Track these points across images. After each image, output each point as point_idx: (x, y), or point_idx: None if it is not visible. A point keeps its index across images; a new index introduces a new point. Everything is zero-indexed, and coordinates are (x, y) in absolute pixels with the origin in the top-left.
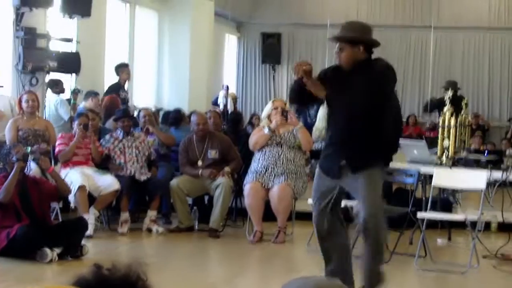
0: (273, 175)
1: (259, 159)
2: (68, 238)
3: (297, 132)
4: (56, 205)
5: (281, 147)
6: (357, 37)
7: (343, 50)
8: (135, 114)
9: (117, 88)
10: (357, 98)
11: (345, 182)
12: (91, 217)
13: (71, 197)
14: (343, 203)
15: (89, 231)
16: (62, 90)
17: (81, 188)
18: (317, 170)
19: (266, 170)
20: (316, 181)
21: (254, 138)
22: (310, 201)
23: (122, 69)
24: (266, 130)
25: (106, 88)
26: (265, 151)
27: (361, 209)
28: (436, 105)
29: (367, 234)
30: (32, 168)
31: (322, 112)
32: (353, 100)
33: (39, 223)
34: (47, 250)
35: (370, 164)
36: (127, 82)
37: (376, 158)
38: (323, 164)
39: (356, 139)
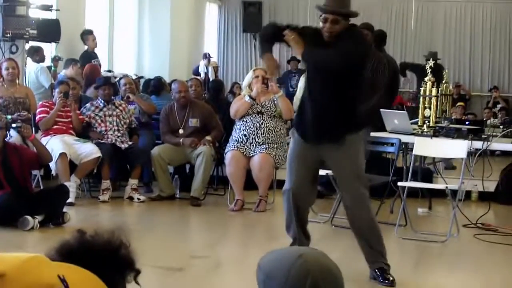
0: (254, 144)
1: (239, 128)
2: (49, 206)
3: (277, 100)
4: (37, 173)
5: (262, 116)
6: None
7: (337, 23)
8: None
9: (88, 57)
10: (332, 63)
11: (324, 151)
12: (72, 185)
13: (52, 165)
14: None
15: (71, 199)
16: (42, 59)
17: (62, 155)
18: (293, 133)
19: (247, 139)
20: (292, 146)
21: (235, 107)
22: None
23: (87, 36)
24: (247, 98)
25: None
26: (246, 120)
27: (344, 191)
28: (408, 67)
29: (355, 223)
30: (13, 136)
31: (303, 82)
32: (328, 64)
33: (21, 190)
34: (29, 218)
35: (348, 131)
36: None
37: (354, 125)
38: (298, 128)
39: (331, 103)
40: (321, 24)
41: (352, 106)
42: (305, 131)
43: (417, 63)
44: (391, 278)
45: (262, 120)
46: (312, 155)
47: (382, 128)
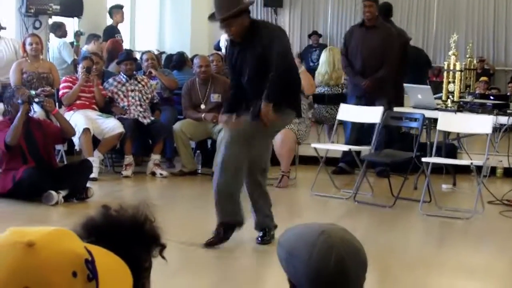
0: None
1: None
2: (73, 181)
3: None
4: (61, 148)
5: None
6: (238, 10)
7: (231, 25)
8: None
9: (111, 31)
10: (249, 66)
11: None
12: (95, 160)
13: (75, 140)
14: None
15: (94, 174)
16: (64, 34)
17: (86, 130)
18: None
19: None
20: None
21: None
22: (313, 145)
23: (116, 10)
24: (302, 67)
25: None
26: None
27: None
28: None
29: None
30: (36, 111)
31: (324, 56)
32: (247, 68)
33: (45, 165)
34: (53, 193)
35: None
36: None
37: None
38: None
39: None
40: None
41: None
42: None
43: None
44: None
45: None
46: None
47: (401, 103)
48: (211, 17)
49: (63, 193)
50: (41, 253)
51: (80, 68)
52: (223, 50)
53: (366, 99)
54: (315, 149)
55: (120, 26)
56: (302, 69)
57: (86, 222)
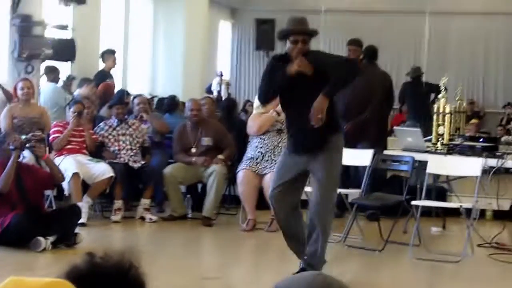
0: (269, 162)
1: (256, 145)
2: (61, 226)
3: None
4: (50, 193)
5: (281, 134)
6: (315, 31)
7: (306, 43)
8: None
9: (103, 76)
10: (310, 88)
11: (307, 161)
12: (84, 205)
13: (65, 185)
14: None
15: (83, 219)
16: (56, 79)
17: (75, 175)
18: (284, 150)
19: (263, 157)
20: (281, 159)
21: (259, 122)
22: (305, 189)
23: (108, 55)
24: (273, 113)
25: None
26: (264, 138)
27: (315, 190)
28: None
29: (317, 216)
30: (26, 156)
31: None
32: (307, 89)
33: (33, 211)
34: (41, 239)
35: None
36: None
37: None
38: (289, 143)
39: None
40: (289, 45)
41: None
42: (295, 146)
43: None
44: None
45: (280, 139)
46: (299, 165)
47: (385, 145)
48: (281, 32)
49: (51, 238)
50: None
51: (71, 112)
52: (215, 93)
53: (348, 142)
54: (305, 192)
55: (112, 70)
56: None
57: (70, 271)
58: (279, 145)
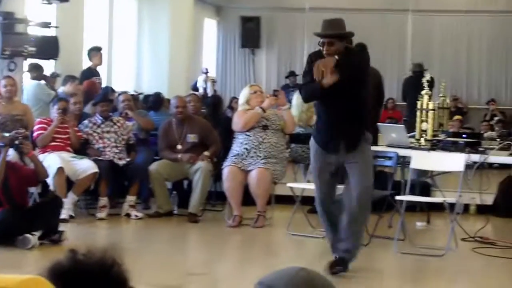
0: (255, 158)
1: (241, 142)
2: (45, 219)
3: (284, 113)
4: (34, 190)
5: (266, 131)
6: (346, 33)
7: (333, 44)
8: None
9: (89, 74)
10: (345, 82)
11: (343, 158)
12: (67, 201)
13: (49, 180)
14: None
15: (65, 215)
16: (40, 76)
17: (60, 170)
18: (313, 147)
19: (248, 153)
20: (314, 159)
21: (244, 119)
22: (290, 185)
23: (94, 53)
24: (258, 109)
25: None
26: (249, 134)
27: (356, 184)
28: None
29: (355, 210)
30: (9, 154)
31: (295, 99)
32: (342, 84)
33: (18, 208)
34: (29, 236)
35: (362, 142)
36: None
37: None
38: (320, 140)
39: (348, 119)
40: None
41: (363, 114)
42: (326, 145)
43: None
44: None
45: (265, 135)
46: (333, 164)
47: (375, 142)
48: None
49: (37, 234)
50: None
51: (55, 109)
52: (201, 90)
53: None
54: (291, 188)
55: (98, 67)
56: (286, 106)
57: (53, 267)
58: (264, 141)
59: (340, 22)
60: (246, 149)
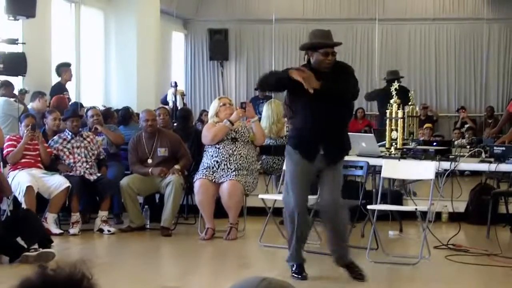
0: (226, 170)
1: (211, 154)
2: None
3: (253, 125)
4: (6, 208)
5: (235, 143)
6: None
7: (334, 55)
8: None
9: (59, 89)
10: (344, 91)
11: (318, 168)
12: (50, 221)
13: (20, 199)
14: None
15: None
16: (10, 94)
17: (29, 188)
18: (291, 154)
19: (219, 166)
20: (294, 163)
21: (213, 132)
22: (261, 196)
23: (64, 69)
24: (226, 123)
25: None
26: (219, 147)
27: (326, 195)
28: (374, 96)
29: (331, 217)
30: None
31: (265, 110)
32: (341, 93)
33: None
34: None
35: (342, 158)
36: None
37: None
38: (300, 147)
39: (333, 132)
40: (319, 58)
41: (347, 128)
42: (309, 152)
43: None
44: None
45: (235, 147)
46: (312, 171)
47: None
48: (312, 45)
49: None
50: None
51: (23, 126)
52: (170, 104)
53: None
54: (263, 200)
55: (68, 83)
56: (255, 118)
57: (22, 283)
58: (235, 153)
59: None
60: (217, 161)
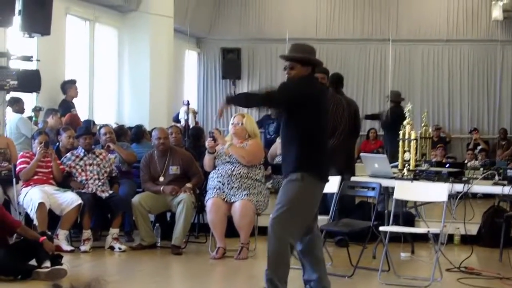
0: (234, 189)
1: (213, 177)
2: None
3: (229, 150)
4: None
5: (232, 164)
6: (301, 57)
7: (293, 68)
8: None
9: (67, 106)
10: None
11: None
12: (61, 238)
13: (32, 215)
14: None
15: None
16: (21, 109)
17: (41, 205)
18: (311, 181)
19: (223, 185)
20: (315, 195)
21: (205, 162)
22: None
23: (69, 85)
24: (206, 154)
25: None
26: (218, 169)
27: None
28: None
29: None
30: None
31: None
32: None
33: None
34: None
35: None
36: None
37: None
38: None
39: (283, 147)
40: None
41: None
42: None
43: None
44: None
45: (233, 167)
46: None
47: (353, 172)
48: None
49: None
50: None
51: (36, 143)
52: (182, 122)
53: None
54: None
55: (78, 100)
56: (227, 145)
57: None
58: (234, 173)
59: (304, 47)
60: (220, 181)
